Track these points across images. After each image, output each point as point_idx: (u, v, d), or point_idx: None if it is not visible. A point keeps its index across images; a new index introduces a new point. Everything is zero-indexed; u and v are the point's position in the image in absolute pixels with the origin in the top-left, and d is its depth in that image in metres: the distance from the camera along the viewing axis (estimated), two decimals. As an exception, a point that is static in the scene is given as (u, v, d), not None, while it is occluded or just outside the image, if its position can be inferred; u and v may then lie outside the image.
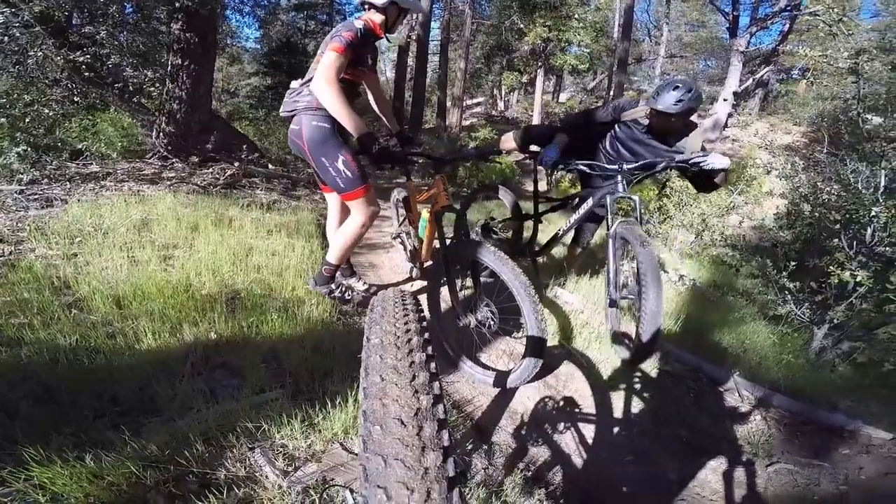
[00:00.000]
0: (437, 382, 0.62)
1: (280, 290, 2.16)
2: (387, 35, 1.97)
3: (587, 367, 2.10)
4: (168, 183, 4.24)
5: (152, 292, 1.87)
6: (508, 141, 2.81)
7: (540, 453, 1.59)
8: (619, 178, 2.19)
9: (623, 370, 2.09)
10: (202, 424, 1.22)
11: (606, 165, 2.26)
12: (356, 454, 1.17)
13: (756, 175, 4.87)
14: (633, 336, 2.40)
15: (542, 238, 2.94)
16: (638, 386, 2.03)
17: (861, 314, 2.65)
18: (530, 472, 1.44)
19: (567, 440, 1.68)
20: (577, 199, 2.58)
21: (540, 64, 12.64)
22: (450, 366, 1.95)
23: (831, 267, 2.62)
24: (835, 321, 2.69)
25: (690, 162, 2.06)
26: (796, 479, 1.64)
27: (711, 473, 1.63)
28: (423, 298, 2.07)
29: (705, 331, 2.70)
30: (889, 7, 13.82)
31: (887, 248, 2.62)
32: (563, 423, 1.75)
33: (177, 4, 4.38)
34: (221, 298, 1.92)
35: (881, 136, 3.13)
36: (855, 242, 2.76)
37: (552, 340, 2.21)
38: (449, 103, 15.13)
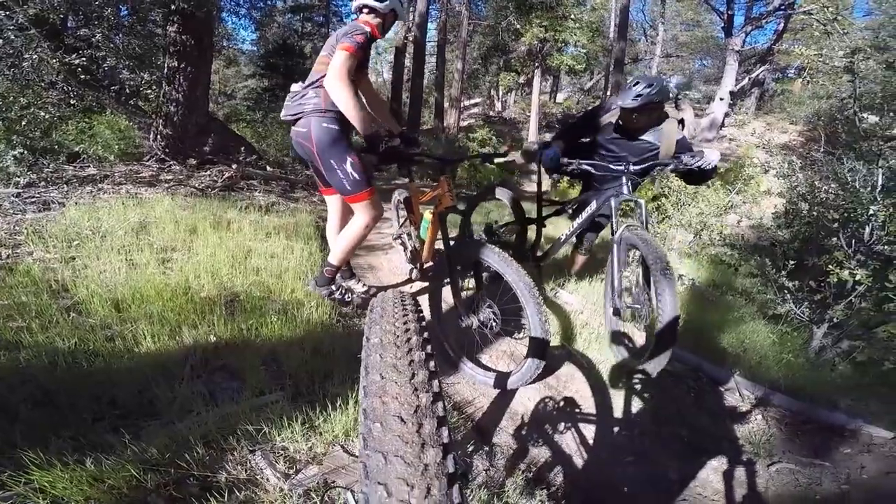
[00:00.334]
0: (437, 380, 0.62)
1: (279, 292, 2.16)
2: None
3: (587, 368, 2.10)
4: (166, 185, 4.23)
5: (151, 295, 1.86)
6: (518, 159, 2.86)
7: (541, 454, 1.59)
8: (624, 179, 2.13)
9: (623, 371, 2.09)
10: (202, 427, 1.21)
11: (611, 166, 2.19)
12: (357, 456, 1.17)
13: (754, 174, 4.88)
14: (637, 340, 2.40)
15: (546, 242, 2.93)
16: (638, 386, 2.03)
17: (860, 313, 2.65)
18: (531, 473, 1.44)
19: (568, 440, 1.68)
20: (577, 203, 2.54)
21: (537, 64, 12.67)
22: (450, 367, 1.94)
23: (830, 266, 2.63)
24: (834, 320, 2.69)
25: (694, 165, 2.07)
26: (798, 479, 1.64)
27: (713, 473, 1.63)
28: (423, 299, 2.06)
29: (705, 330, 2.70)
30: (882, 6, 13.91)
31: (886, 247, 2.63)
32: (563, 424, 1.75)
33: (172, 7, 4.37)
34: (220, 301, 1.92)
35: (878, 134, 3.13)
36: (853, 241, 2.77)
37: (553, 341, 2.21)
38: (446, 104, 15.15)
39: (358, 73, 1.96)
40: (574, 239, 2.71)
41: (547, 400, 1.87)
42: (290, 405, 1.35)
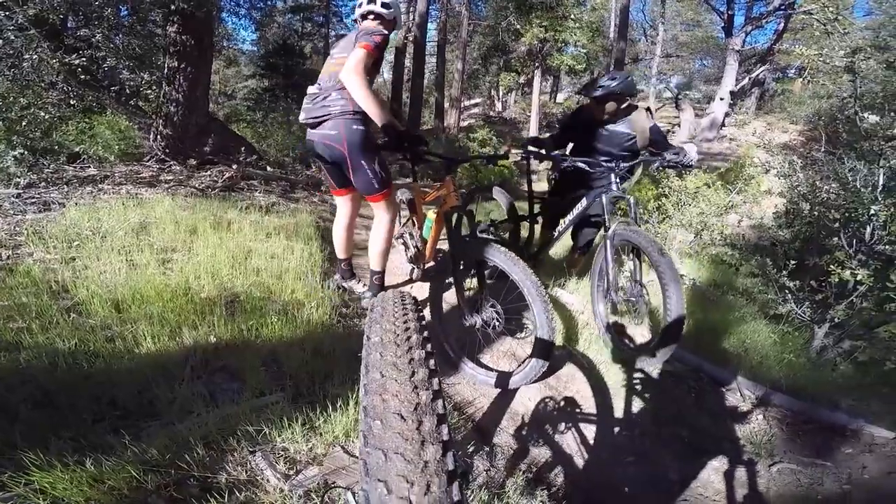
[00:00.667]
0: (437, 378, 0.62)
1: (279, 292, 2.15)
2: None
3: (588, 368, 2.10)
4: (166, 185, 4.23)
5: (151, 296, 1.86)
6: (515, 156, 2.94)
7: (541, 454, 1.58)
8: (613, 176, 2.22)
9: (624, 370, 2.09)
10: (202, 428, 1.21)
11: (602, 161, 2.29)
12: (357, 457, 1.17)
13: (754, 174, 4.87)
14: (633, 334, 2.45)
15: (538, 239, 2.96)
16: (639, 386, 2.03)
17: (862, 313, 2.64)
18: (532, 474, 1.44)
19: (568, 441, 1.68)
20: (569, 200, 2.58)
21: (537, 64, 12.67)
22: (451, 367, 1.94)
23: (831, 266, 2.62)
24: (835, 320, 2.68)
25: (676, 161, 2.20)
26: (799, 479, 1.63)
27: (714, 473, 1.62)
28: (424, 299, 2.06)
29: (706, 330, 2.70)
30: (882, 5, 13.90)
31: (887, 247, 2.62)
32: (564, 424, 1.75)
33: (172, 7, 4.37)
34: (220, 302, 1.92)
35: (879, 134, 3.13)
36: (854, 241, 2.76)
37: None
38: (447, 104, 15.15)
39: (372, 72, 1.95)
40: (571, 239, 2.79)
41: (547, 400, 1.87)
42: (291, 406, 1.35)
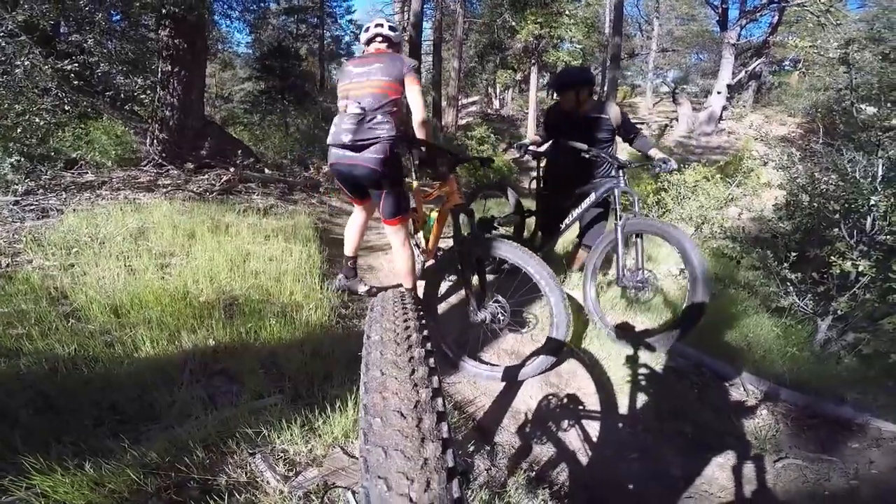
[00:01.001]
0: (436, 376, 0.62)
1: (278, 295, 2.15)
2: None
3: (590, 365, 2.09)
4: (164, 190, 4.22)
5: (149, 300, 1.86)
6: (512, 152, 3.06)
7: (543, 452, 1.58)
8: (622, 172, 2.35)
9: (625, 368, 2.07)
10: (201, 431, 1.21)
11: (608, 157, 2.40)
12: (357, 458, 1.17)
13: (753, 167, 4.86)
14: (633, 322, 2.54)
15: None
16: (641, 382, 2.01)
17: (865, 304, 2.62)
18: (534, 472, 1.43)
19: (571, 438, 1.67)
20: (575, 195, 2.64)
21: (533, 61, 12.63)
22: (451, 366, 1.93)
23: (832, 257, 2.60)
24: (838, 312, 2.66)
25: (665, 170, 2.39)
26: (805, 475, 1.61)
27: (718, 470, 1.61)
28: (422, 298, 2.05)
29: (708, 325, 2.67)
30: (875, -3, 13.85)
31: (888, 237, 2.60)
32: (566, 421, 1.74)
33: (163, 11, 4.36)
34: (219, 305, 1.91)
35: (876, 125, 3.11)
36: (855, 231, 2.75)
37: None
38: (444, 103, 15.12)
39: None
40: (575, 228, 2.83)
41: (549, 398, 1.87)
42: (290, 407, 1.35)
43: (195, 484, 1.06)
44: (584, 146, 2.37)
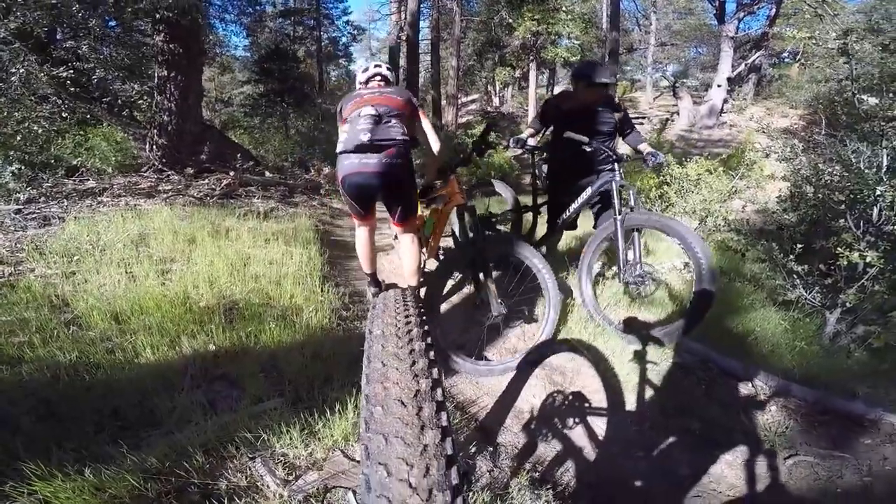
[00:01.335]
0: (436, 368, 0.64)
1: (278, 298, 2.15)
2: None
3: (593, 361, 2.06)
4: (164, 196, 4.22)
5: (150, 307, 1.86)
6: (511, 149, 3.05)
7: (547, 452, 1.56)
8: (618, 165, 2.30)
9: (631, 363, 2.05)
10: (202, 436, 1.21)
11: (607, 149, 2.35)
12: (357, 461, 1.16)
13: (756, 159, 4.81)
14: (637, 315, 2.52)
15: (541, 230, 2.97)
16: (647, 379, 1.98)
17: (874, 296, 2.57)
18: (537, 473, 1.41)
19: (575, 436, 1.65)
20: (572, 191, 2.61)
21: (531, 58, 12.59)
22: (451, 365, 1.92)
23: (839, 248, 2.56)
24: (847, 305, 2.60)
25: (655, 163, 2.42)
26: (817, 472, 1.57)
27: (727, 467, 1.57)
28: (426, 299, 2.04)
29: (714, 319, 2.63)
30: (873, -11, 13.71)
31: (895, 228, 2.57)
32: (570, 420, 1.72)
33: (157, 16, 4.35)
34: (219, 310, 1.91)
35: (878, 115, 3.07)
36: (862, 222, 2.71)
37: (558, 335, 2.19)
38: (444, 102, 15.10)
39: None
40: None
41: (553, 396, 1.84)
42: (290, 411, 1.34)
43: (196, 489, 1.06)
44: (585, 139, 2.31)
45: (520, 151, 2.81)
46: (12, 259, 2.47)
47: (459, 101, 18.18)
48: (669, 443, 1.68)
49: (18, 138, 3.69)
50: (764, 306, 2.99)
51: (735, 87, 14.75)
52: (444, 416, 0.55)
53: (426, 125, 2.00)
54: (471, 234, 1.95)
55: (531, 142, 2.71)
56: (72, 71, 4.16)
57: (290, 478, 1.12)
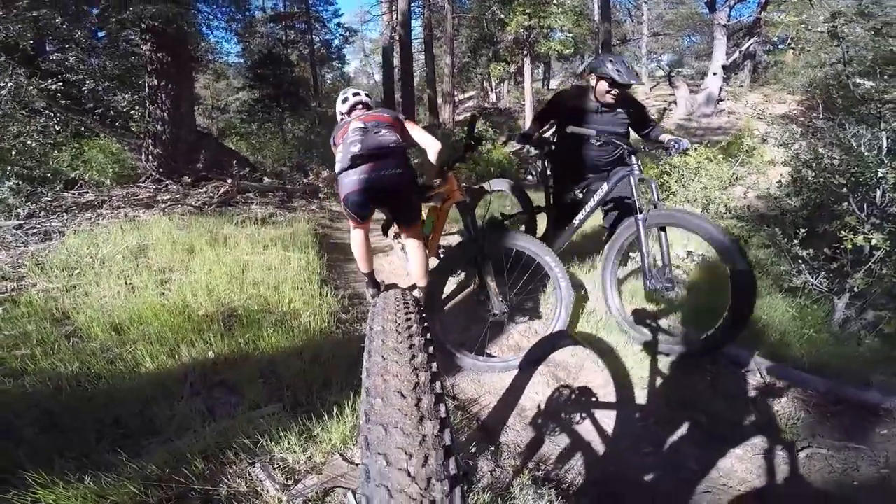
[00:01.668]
0: (435, 362, 0.65)
1: (277, 304, 2.15)
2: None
3: (598, 356, 2.04)
4: (163, 206, 4.23)
5: (148, 317, 1.87)
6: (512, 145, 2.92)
7: (551, 450, 1.54)
8: (635, 158, 2.12)
9: (636, 357, 2.02)
10: (201, 443, 1.22)
11: (620, 142, 2.18)
12: (356, 464, 1.16)
13: (755, 145, 4.78)
14: (662, 321, 2.37)
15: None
16: (651, 372, 1.95)
17: (883, 280, 2.52)
18: (541, 471, 1.40)
19: (580, 433, 1.63)
20: (586, 187, 2.48)
21: (525, 52, 12.53)
22: (452, 363, 1.91)
23: (843, 232, 2.53)
24: (855, 289, 2.54)
25: (678, 151, 2.23)
26: (831, 464, 1.52)
27: (737, 461, 1.53)
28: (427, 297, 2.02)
29: (719, 309, 2.60)
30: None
31: (900, 209, 2.53)
32: (575, 416, 1.69)
33: (143, 25, 4.34)
34: (218, 317, 1.92)
35: (874, 98, 3.04)
36: (865, 205, 2.68)
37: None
38: (440, 100, 15.08)
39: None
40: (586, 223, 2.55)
41: (557, 393, 1.82)
42: (288, 416, 1.34)
43: (196, 494, 1.06)
44: (591, 131, 2.15)
45: (519, 146, 2.68)
46: (14, 275, 2.49)
47: (456, 99, 18.14)
48: (676, 437, 1.65)
49: (14, 153, 3.69)
50: (770, 293, 2.94)
51: (731, 74, 14.68)
52: (442, 407, 0.56)
53: (418, 132, 2.01)
54: (472, 232, 1.93)
55: (536, 136, 2.52)
56: (61, 83, 4.15)
57: (290, 482, 1.12)
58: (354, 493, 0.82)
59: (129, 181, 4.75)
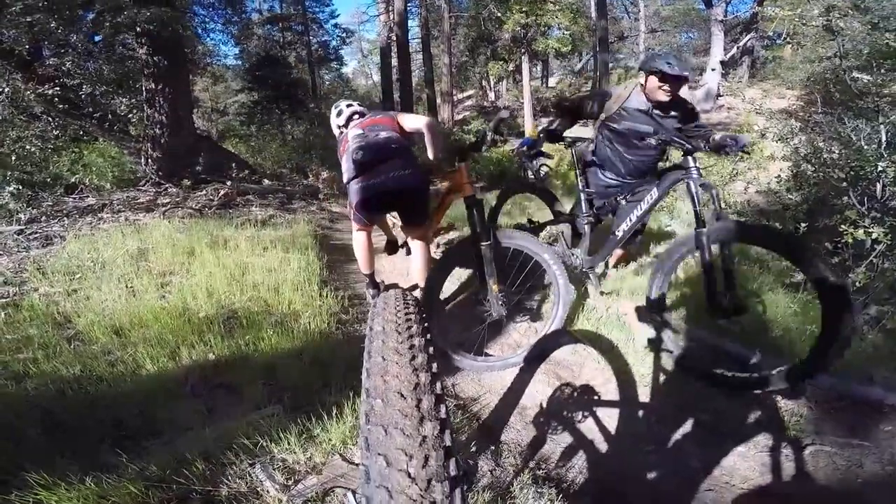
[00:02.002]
0: (436, 363, 0.65)
1: (276, 305, 2.15)
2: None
3: (598, 354, 2.03)
4: (163, 209, 4.23)
5: (149, 320, 1.88)
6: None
7: (553, 449, 1.53)
8: (693, 161, 1.77)
9: (638, 355, 2.02)
10: (201, 444, 1.22)
11: (681, 140, 1.81)
12: (356, 464, 1.17)
13: (755, 140, 4.78)
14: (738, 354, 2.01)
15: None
16: (653, 370, 1.95)
17: (885, 274, 2.50)
18: (542, 470, 1.39)
19: (581, 432, 1.63)
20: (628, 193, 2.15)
21: (523, 50, 12.51)
22: (452, 364, 1.90)
23: (843, 226, 2.52)
24: (857, 284, 2.53)
25: (737, 149, 1.84)
26: (835, 462, 1.50)
27: (740, 459, 1.52)
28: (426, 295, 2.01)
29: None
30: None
31: (900, 202, 2.52)
32: (577, 415, 1.69)
33: (138, 29, 4.34)
34: (218, 320, 1.92)
35: (872, 91, 3.03)
36: (866, 199, 2.67)
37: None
38: (438, 100, 15.07)
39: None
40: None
41: (557, 392, 1.82)
42: (288, 417, 1.35)
43: (197, 495, 1.07)
44: (649, 128, 1.86)
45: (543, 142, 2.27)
46: (16, 279, 2.51)
47: (455, 98, 18.12)
48: (679, 435, 1.64)
49: (14, 158, 3.71)
50: (772, 289, 2.92)
51: (729, 70, 14.64)
52: (442, 408, 0.57)
53: (410, 121, 2.01)
54: (477, 230, 1.81)
55: (567, 134, 2.22)
56: (58, 88, 4.16)
57: (290, 483, 1.12)
58: (354, 493, 0.82)
59: (128, 185, 4.76)
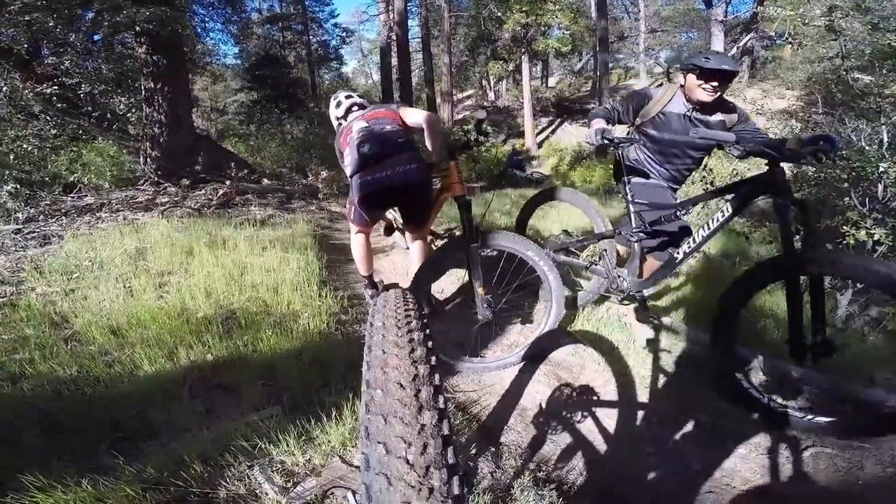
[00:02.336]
0: (434, 356, 0.67)
1: (275, 305, 2.14)
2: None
3: (600, 355, 2.03)
4: (162, 208, 4.22)
5: (146, 320, 1.87)
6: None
7: (553, 450, 1.53)
8: (777, 171, 1.47)
9: (638, 357, 2.01)
10: (199, 445, 1.22)
11: (767, 149, 1.47)
12: (356, 466, 1.16)
13: (755, 141, 4.76)
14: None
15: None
16: (653, 371, 1.94)
17: None
18: (542, 472, 1.38)
19: (581, 433, 1.62)
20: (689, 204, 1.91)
21: (523, 50, 12.52)
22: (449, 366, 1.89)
23: (845, 227, 2.52)
24: (858, 285, 2.56)
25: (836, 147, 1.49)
26: (836, 463, 1.51)
27: (740, 461, 1.52)
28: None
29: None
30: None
31: (903, 203, 2.52)
32: (576, 417, 1.68)
33: (137, 28, 4.33)
34: (217, 320, 1.91)
35: (874, 92, 3.03)
36: (867, 199, 2.67)
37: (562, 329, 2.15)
38: (438, 99, 15.06)
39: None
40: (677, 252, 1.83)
41: (557, 392, 1.81)
42: (287, 418, 1.34)
43: (195, 497, 1.06)
44: (731, 137, 1.61)
45: (595, 143, 1.86)
46: (13, 279, 2.49)
47: (455, 98, 18.12)
48: (679, 436, 1.63)
49: (12, 157, 3.69)
50: (772, 290, 2.94)
51: (730, 69, 14.64)
52: (440, 398, 0.58)
53: (412, 115, 1.98)
54: (466, 231, 1.80)
55: (617, 137, 1.88)
56: (56, 87, 4.15)
57: (289, 485, 1.12)
58: (354, 493, 0.82)
59: (127, 184, 4.75)
